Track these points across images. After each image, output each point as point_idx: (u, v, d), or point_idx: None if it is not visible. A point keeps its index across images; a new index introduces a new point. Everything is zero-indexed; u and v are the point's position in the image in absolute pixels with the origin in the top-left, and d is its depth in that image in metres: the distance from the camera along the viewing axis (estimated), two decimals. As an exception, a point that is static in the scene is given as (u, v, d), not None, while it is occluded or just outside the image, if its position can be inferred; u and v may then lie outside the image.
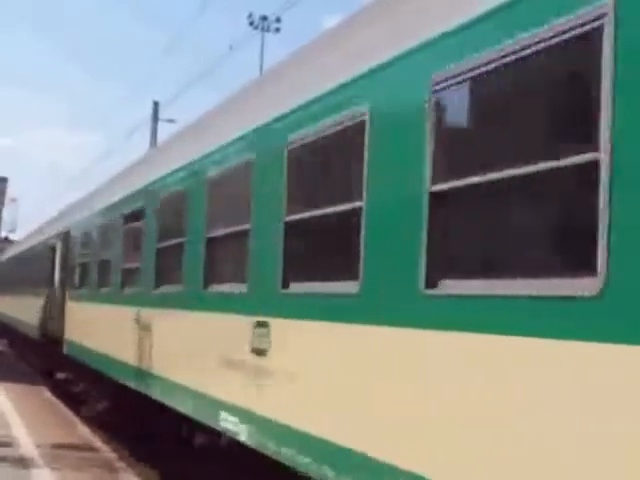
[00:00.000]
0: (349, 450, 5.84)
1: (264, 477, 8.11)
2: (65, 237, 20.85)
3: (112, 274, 14.67)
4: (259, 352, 7.49)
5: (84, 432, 15.28)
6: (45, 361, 25.05)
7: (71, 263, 19.82)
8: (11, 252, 41.75)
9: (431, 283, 5.02)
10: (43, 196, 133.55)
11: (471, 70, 4.82)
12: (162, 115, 39.40)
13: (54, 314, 21.40)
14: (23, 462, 11.45)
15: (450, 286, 4.91)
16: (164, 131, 63.26)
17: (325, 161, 7.01)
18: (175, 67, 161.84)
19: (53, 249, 22.70)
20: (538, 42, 4.26)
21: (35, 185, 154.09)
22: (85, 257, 17.94)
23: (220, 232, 8.98)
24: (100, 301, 15.76)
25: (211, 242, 9.18)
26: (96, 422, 16.52)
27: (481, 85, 4.88)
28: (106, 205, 15.97)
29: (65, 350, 19.37)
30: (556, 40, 4.14)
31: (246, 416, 7.70)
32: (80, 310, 18.30)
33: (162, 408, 10.87)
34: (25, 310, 28.21)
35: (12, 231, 58.60)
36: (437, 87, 5.10)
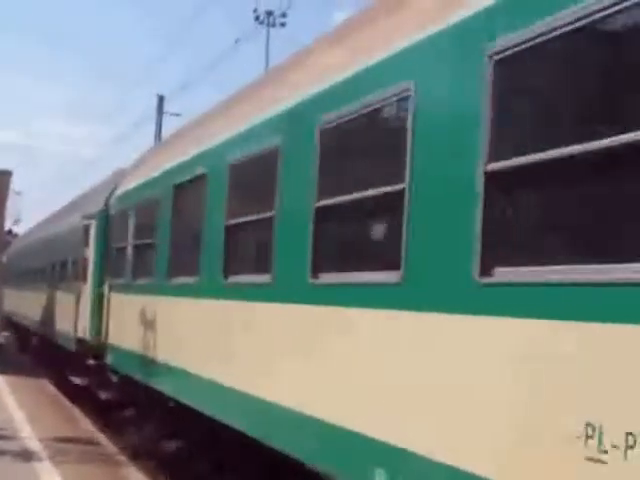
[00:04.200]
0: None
1: (265, 471, 8.14)
2: None
3: None
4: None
5: (87, 426, 15.34)
6: (48, 354, 25.07)
7: None
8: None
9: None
10: (47, 189, 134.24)
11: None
12: (167, 109, 39.32)
13: None
14: (26, 455, 11.49)
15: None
16: (170, 124, 63.53)
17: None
18: (180, 62, 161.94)
19: None
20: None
21: (40, 178, 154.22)
22: None
23: None
24: None
25: None
26: (98, 416, 16.56)
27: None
28: None
29: None
30: None
31: None
32: None
33: (166, 400, 10.90)
34: None
35: (17, 222, 58.71)
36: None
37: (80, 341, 17.34)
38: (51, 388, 20.87)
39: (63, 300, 20.62)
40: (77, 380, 18.92)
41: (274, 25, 50.31)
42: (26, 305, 30.14)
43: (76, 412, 17.09)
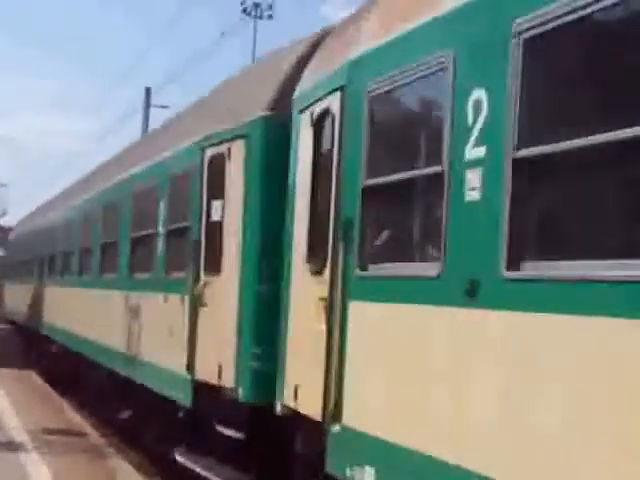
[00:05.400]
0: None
1: (256, 461, 8.17)
2: None
3: None
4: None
5: (73, 417, 15.36)
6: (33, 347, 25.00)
7: None
8: None
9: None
10: (34, 182, 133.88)
11: None
12: (154, 101, 39.29)
13: None
14: (13, 446, 11.52)
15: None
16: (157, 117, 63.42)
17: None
18: (166, 55, 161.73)
19: None
20: None
21: (26, 170, 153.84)
22: None
23: None
24: None
25: None
26: (85, 407, 16.59)
27: None
28: None
29: None
30: None
31: None
32: None
33: (149, 392, 10.92)
34: None
35: (3, 215, 58.49)
36: None
37: (206, 389, 8.82)
38: (39, 380, 20.86)
39: (150, 306, 11.45)
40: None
41: (261, 17, 50.17)
42: (39, 310, 22.18)
43: (64, 404, 17.11)
